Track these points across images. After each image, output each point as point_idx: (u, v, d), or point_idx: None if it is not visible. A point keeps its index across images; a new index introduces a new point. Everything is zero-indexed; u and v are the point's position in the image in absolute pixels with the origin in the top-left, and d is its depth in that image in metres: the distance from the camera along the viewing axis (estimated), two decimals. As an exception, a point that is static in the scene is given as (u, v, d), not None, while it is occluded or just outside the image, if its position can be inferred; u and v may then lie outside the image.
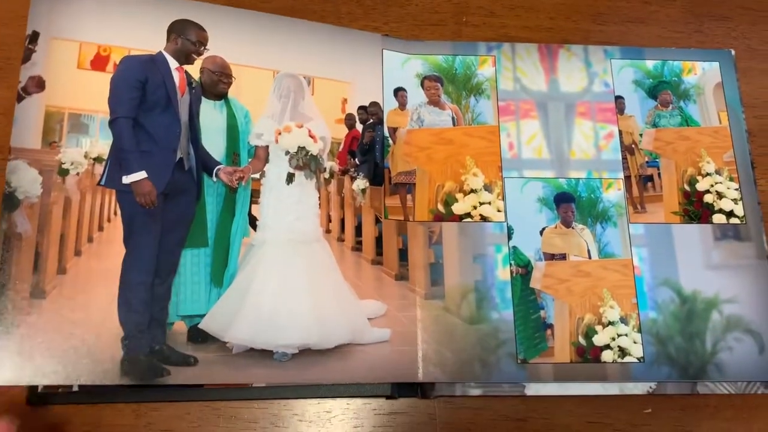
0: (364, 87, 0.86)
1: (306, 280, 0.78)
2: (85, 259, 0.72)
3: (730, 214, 0.87)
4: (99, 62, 0.76)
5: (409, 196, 0.85)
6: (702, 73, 0.93)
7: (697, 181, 0.88)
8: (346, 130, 0.86)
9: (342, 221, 0.86)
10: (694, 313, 0.82)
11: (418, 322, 0.79)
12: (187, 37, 0.79)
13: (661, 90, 0.92)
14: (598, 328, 0.81)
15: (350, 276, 0.80)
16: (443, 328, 0.79)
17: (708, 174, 0.89)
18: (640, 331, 0.81)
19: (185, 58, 0.79)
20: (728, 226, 0.87)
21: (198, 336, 0.73)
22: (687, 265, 0.84)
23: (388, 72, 0.88)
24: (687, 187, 0.88)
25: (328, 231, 0.85)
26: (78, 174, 0.73)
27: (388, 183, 0.85)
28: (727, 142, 0.90)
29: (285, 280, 0.77)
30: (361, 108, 0.86)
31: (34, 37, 0.74)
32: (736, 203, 0.87)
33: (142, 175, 0.73)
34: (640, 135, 0.90)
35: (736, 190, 0.88)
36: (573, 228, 0.85)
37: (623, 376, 0.80)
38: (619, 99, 0.91)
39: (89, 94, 0.74)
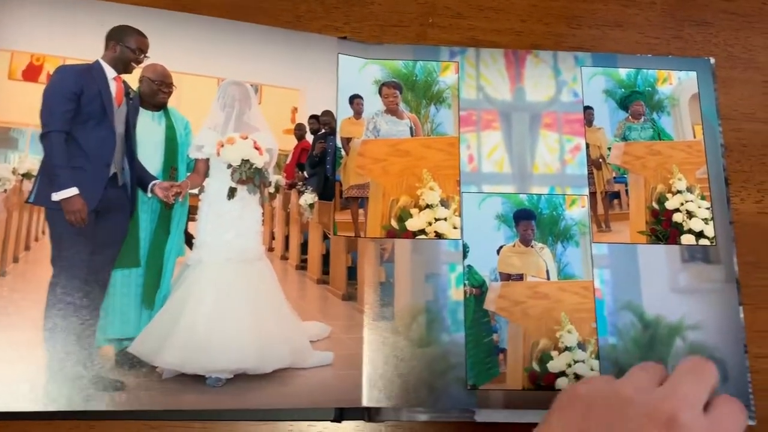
0: (316, 94, 0.84)
1: (244, 302, 0.77)
2: (10, 281, 0.71)
3: (699, 234, 0.84)
4: (31, 72, 0.75)
5: (361, 211, 0.83)
6: (678, 83, 0.90)
7: (667, 199, 0.86)
8: (295, 141, 0.84)
9: (287, 238, 0.85)
10: (656, 339, 0.80)
11: (364, 344, 0.77)
12: (126, 45, 0.77)
13: (633, 101, 0.89)
14: (554, 353, 0.79)
15: (293, 296, 0.79)
16: (390, 351, 0.78)
17: (679, 192, 0.86)
18: (598, 357, 0.79)
19: (124, 66, 0.77)
20: (697, 248, 0.84)
21: (127, 360, 0.72)
22: (651, 288, 0.82)
23: (343, 78, 0.86)
24: (655, 206, 0.86)
25: (270, 249, 0.83)
26: (5, 191, 0.72)
27: (339, 197, 0.83)
28: (701, 158, 0.87)
29: (221, 301, 0.76)
30: (313, 117, 0.84)
31: (-38, 47, 0.72)
32: (706, 223, 0.85)
33: (73, 191, 0.72)
34: (609, 149, 0.87)
35: (708, 209, 0.85)
36: (532, 247, 0.83)
37: (578, 404, 0.78)
38: (588, 109, 0.88)
39: (20, 107, 0.73)
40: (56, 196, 0.71)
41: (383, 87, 0.87)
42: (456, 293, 0.81)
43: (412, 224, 0.83)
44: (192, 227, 0.80)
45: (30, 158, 0.73)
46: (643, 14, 0.94)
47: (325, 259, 0.82)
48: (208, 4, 0.87)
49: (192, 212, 0.80)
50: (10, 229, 0.72)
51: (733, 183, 0.87)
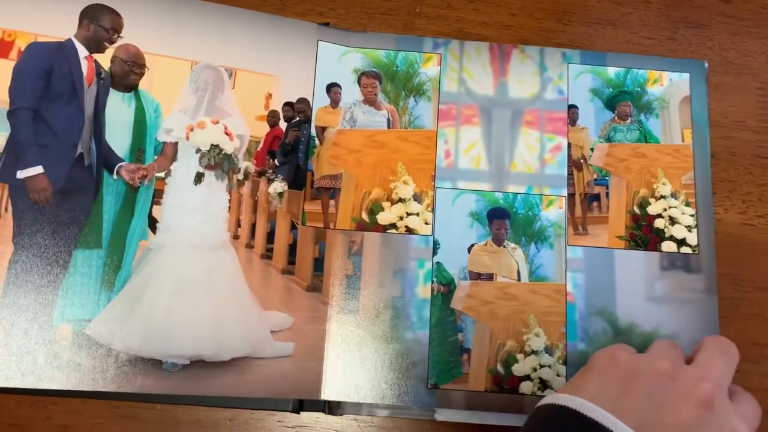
0: (293, 81, 0.85)
1: (205, 288, 0.79)
2: (-29, 256, 0.73)
3: (681, 242, 0.84)
4: (2, 48, 0.76)
5: (332, 202, 0.84)
6: (669, 85, 0.89)
7: (649, 203, 0.85)
8: (267, 128, 0.85)
9: (253, 226, 0.86)
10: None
11: (326, 336, 0.79)
12: (100, 24, 0.78)
13: (621, 101, 0.88)
14: (520, 356, 0.80)
15: (256, 285, 0.80)
16: (353, 345, 0.79)
17: (662, 197, 0.85)
18: (565, 363, 0.80)
19: (96, 46, 0.79)
20: (678, 256, 0.83)
21: (84, 341, 0.74)
22: (626, 295, 0.82)
23: (321, 66, 0.86)
24: (637, 210, 0.85)
25: (236, 237, 0.85)
26: (-30, 167, 0.74)
27: (310, 187, 0.84)
28: (689, 163, 0.86)
29: (181, 286, 0.78)
30: (287, 104, 0.85)
31: (-68, 21, 0.74)
32: (690, 231, 0.84)
33: (38, 170, 0.74)
34: (591, 149, 0.87)
35: (692, 216, 0.85)
36: (504, 247, 0.83)
37: (541, 410, 0.78)
38: (572, 108, 0.88)
39: (-12, 82, 0.75)
40: (21, 174, 0.73)
41: (362, 76, 0.88)
42: (423, 290, 0.81)
43: (383, 218, 0.83)
44: (156, 211, 0.82)
45: (-3, 135, 0.75)
46: (637, 13, 0.93)
47: (292, 249, 0.83)
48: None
49: (157, 196, 0.82)
50: (-27, 205, 0.75)
51: (718, 192, 0.86)
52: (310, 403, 0.77)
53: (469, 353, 0.80)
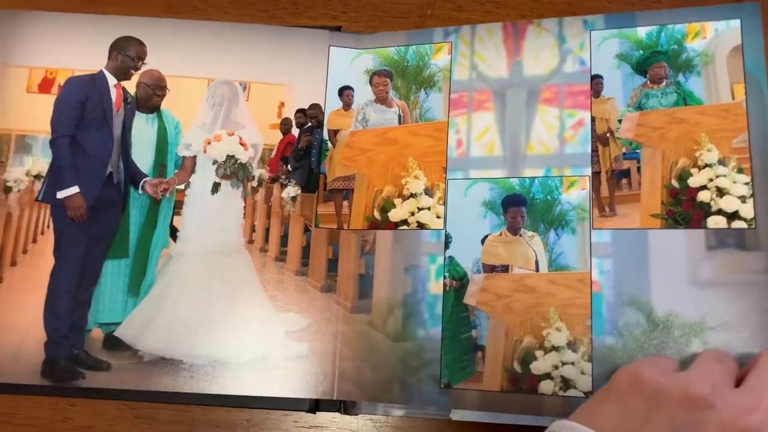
0: (305, 88, 0.88)
1: (221, 292, 0.84)
2: (20, 269, 0.85)
3: (733, 216, 0.73)
4: (46, 85, 0.89)
5: (345, 203, 0.86)
6: (713, 36, 0.79)
7: (691, 174, 0.76)
8: (280, 136, 0.89)
9: (267, 230, 0.89)
10: (667, 341, 0.71)
11: (339, 336, 0.80)
12: (126, 53, 0.88)
13: (654, 63, 0.80)
14: (539, 353, 0.74)
15: (271, 288, 0.84)
16: (365, 345, 0.79)
17: (707, 165, 0.75)
18: (591, 360, 0.73)
19: (124, 74, 0.89)
20: (728, 232, 0.73)
21: (113, 343, 0.82)
22: (664, 280, 0.73)
23: (333, 70, 0.89)
24: (675, 183, 0.76)
25: (250, 241, 0.89)
26: (20, 191, 0.86)
27: (323, 189, 0.86)
28: (741, 123, 0.75)
29: (199, 292, 0.84)
30: (300, 111, 0.89)
31: (-14, 64, 0.89)
32: (744, 202, 0.73)
33: (74, 189, 0.84)
34: (619, 121, 0.79)
35: (746, 184, 0.74)
36: (521, 235, 0.78)
37: (564, 411, 0.72)
38: (595, 79, 0.81)
39: (35, 116, 0.88)
40: (60, 194, 0.84)
41: (374, 76, 0.89)
42: (435, 286, 0.79)
43: (394, 215, 0.83)
44: (177, 221, 0.89)
45: (41, 161, 0.87)
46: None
47: (305, 251, 0.86)
48: (214, 5, 0.95)
49: (178, 207, 0.89)
50: (22, 224, 0.87)
51: None
52: (325, 403, 0.78)
53: (484, 351, 0.76)
